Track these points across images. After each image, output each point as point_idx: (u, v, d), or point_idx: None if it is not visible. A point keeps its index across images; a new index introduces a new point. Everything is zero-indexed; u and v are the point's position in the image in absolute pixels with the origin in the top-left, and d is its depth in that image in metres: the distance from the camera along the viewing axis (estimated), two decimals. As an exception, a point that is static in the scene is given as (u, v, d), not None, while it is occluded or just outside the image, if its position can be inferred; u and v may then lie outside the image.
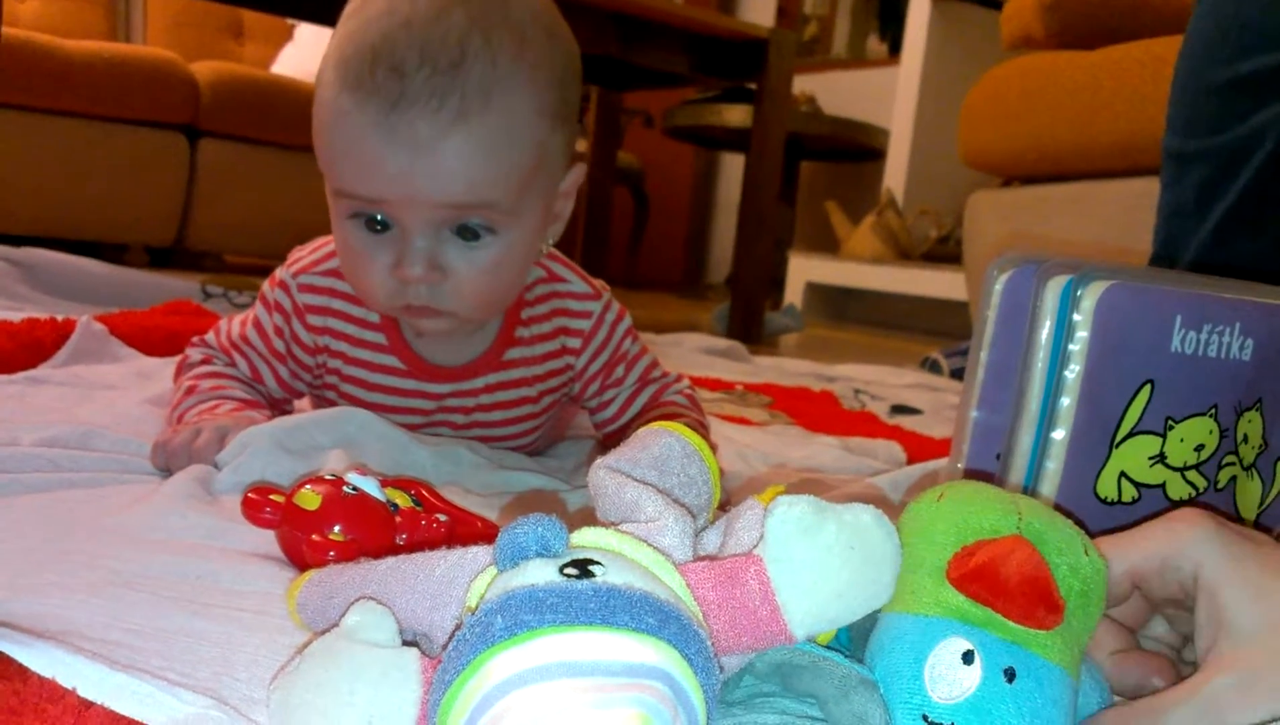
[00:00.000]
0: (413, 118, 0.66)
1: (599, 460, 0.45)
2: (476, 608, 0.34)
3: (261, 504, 0.56)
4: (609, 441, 0.92)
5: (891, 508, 0.51)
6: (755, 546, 0.38)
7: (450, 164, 0.68)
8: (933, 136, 3.48)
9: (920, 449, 1.15)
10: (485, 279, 0.73)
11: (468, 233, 0.72)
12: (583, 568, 0.34)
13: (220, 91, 2.77)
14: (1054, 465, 0.53)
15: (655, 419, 0.87)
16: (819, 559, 0.36)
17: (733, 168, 4.71)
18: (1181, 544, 0.40)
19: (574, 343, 0.87)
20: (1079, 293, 0.52)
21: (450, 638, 0.34)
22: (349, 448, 0.74)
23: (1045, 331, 0.53)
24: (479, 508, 0.64)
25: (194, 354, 0.85)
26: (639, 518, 0.41)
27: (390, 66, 0.66)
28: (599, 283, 0.90)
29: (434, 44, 0.67)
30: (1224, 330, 0.54)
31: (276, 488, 0.58)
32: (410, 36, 0.67)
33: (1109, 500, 0.54)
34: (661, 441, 0.45)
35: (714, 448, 0.47)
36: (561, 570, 0.34)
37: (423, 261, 0.71)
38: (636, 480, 0.43)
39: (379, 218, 0.71)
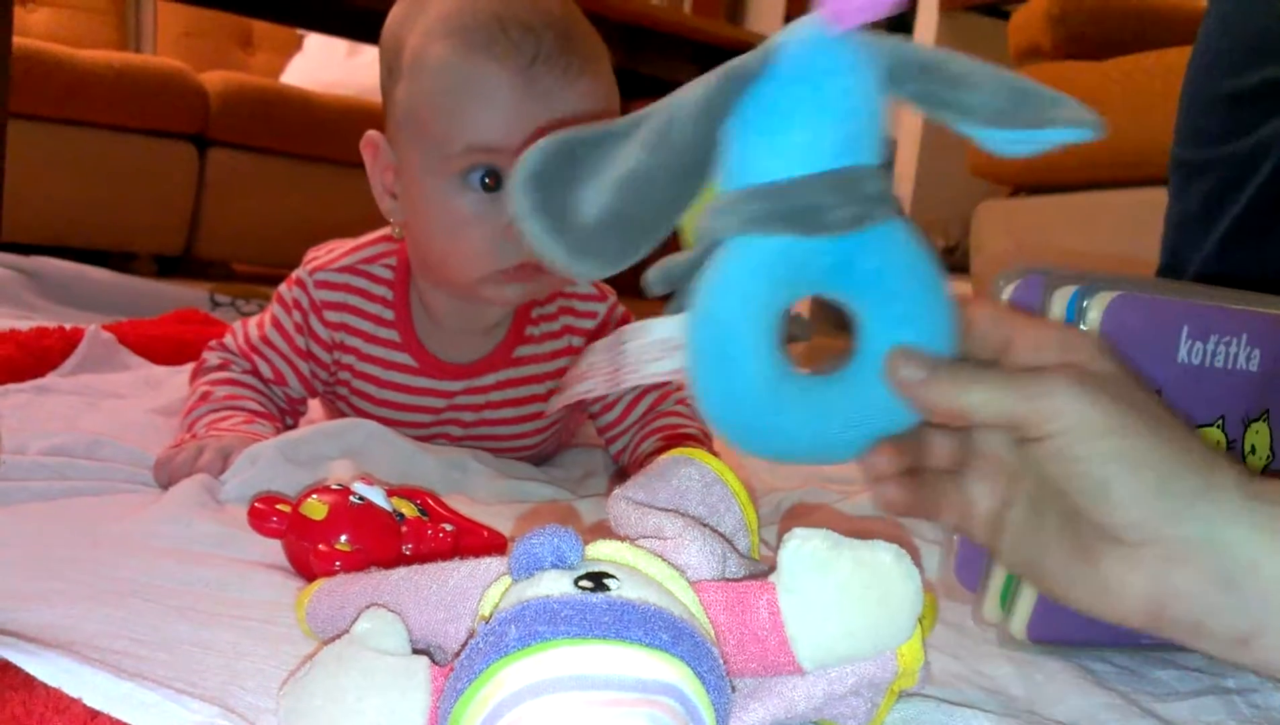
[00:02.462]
0: (546, 71, 0.73)
1: (617, 491, 0.45)
2: (490, 616, 0.34)
3: (268, 513, 0.56)
4: (611, 446, 0.93)
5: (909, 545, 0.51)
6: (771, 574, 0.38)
7: (576, 114, 0.74)
8: (940, 147, 3.48)
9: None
10: None
11: None
12: (597, 580, 0.34)
13: (229, 101, 2.78)
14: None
15: (658, 431, 0.87)
16: (831, 597, 0.35)
17: (740, 177, 4.70)
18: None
19: (579, 342, 0.89)
20: (1085, 303, 0.51)
21: (463, 646, 0.34)
22: (355, 457, 0.74)
23: None
24: (485, 517, 0.64)
25: (211, 358, 0.86)
26: (662, 538, 0.40)
27: (522, 27, 0.73)
28: (605, 286, 0.91)
29: (544, 15, 0.75)
30: (1231, 341, 0.54)
31: (283, 497, 0.58)
32: (520, 7, 0.75)
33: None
34: (680, 472, 0.44)
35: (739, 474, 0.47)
36: (576, 582, 0.34)
37: None
38: (659, 508, 0.43)
39: (493, 173, 0.74)
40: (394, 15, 0.80)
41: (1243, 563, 0.37)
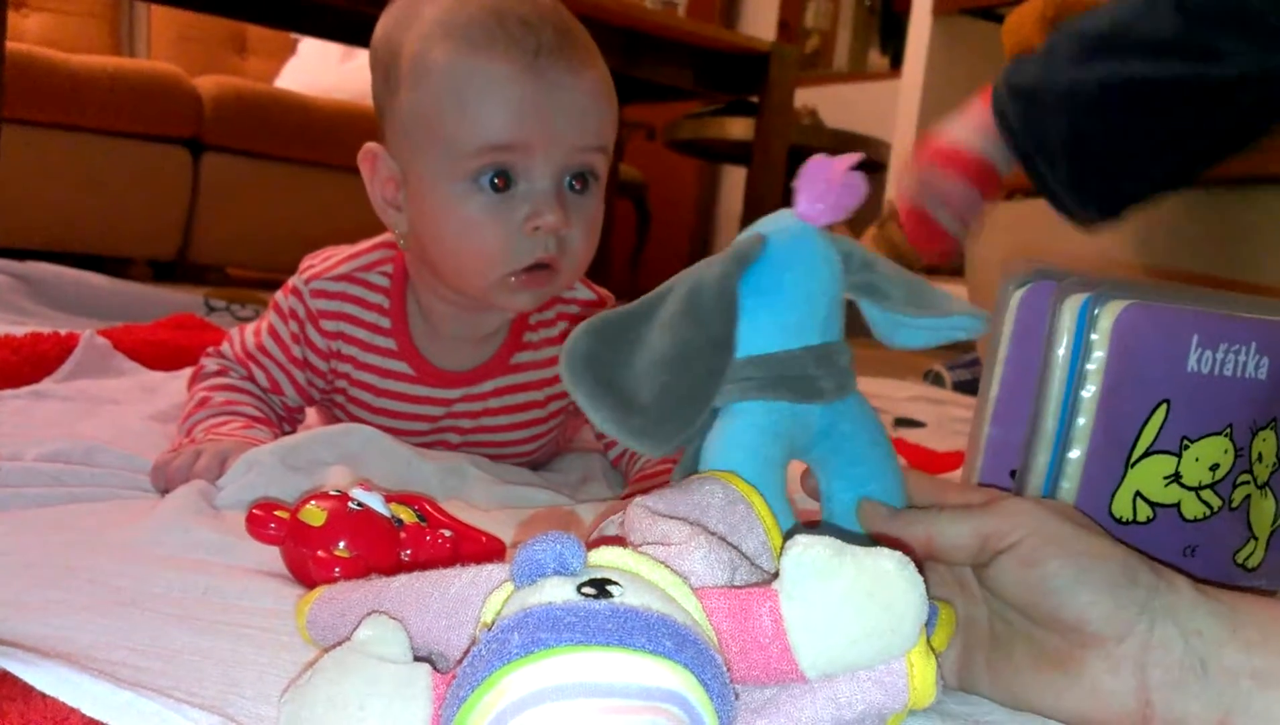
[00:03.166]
0: (550, 64, 0.73)
1: (638, 499, 0.45)
2: (493, 624, 0.34)
3: (266, 520, 0.56)
4: (609, 451, 0.93)
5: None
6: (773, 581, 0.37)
7: (584, 105, 0.75)
8: (934, 149, 3.48)
9: (924, 462, 1.15)
10: (591, 234, 0.78)
11: (580, 181, 0.76)
12: (600, 587, 0.33)
13: (224, 106, 2.78)
14: (1069, 484, 0.52)
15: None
16: (834, 604, 0.35)
17: (735, 180, 4.70)
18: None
19: None
20: (1096, 312, 0.51)
21: (465, 653, 0.34)
22: (353, 463, 0.74)
23: (1062, 351, 0.52)
24: (483, 523, 0.64)
25: (209, 364, 0.86)
26: (667, 544, 0.40)
27: (520, 22, 0.73)
28: (604, 291, 0.91)
29: (540, 11, 0.75)
30: (1240, 350, 0.54)
31: (281, 503, 0.58)
32: (515, 4, 0.74)
33: (1124, 520, 0.53)
34: (704, 489, 0.44)
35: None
36: (579, 589, 0.33)
37: (557, 207, 0.74)
38: (675, 518, 0.42)
39: (503, 174, 0.74)
40: (384, 25, 0.79)
41: (1210, 650, 0.39)
